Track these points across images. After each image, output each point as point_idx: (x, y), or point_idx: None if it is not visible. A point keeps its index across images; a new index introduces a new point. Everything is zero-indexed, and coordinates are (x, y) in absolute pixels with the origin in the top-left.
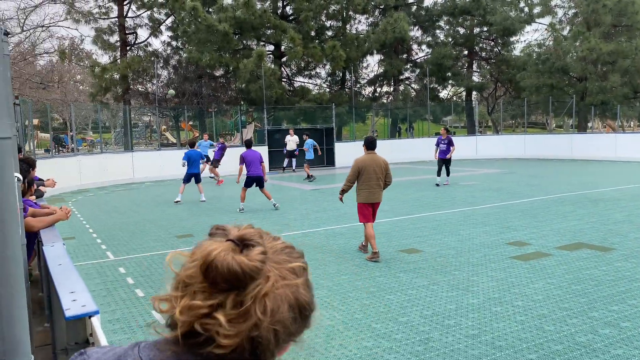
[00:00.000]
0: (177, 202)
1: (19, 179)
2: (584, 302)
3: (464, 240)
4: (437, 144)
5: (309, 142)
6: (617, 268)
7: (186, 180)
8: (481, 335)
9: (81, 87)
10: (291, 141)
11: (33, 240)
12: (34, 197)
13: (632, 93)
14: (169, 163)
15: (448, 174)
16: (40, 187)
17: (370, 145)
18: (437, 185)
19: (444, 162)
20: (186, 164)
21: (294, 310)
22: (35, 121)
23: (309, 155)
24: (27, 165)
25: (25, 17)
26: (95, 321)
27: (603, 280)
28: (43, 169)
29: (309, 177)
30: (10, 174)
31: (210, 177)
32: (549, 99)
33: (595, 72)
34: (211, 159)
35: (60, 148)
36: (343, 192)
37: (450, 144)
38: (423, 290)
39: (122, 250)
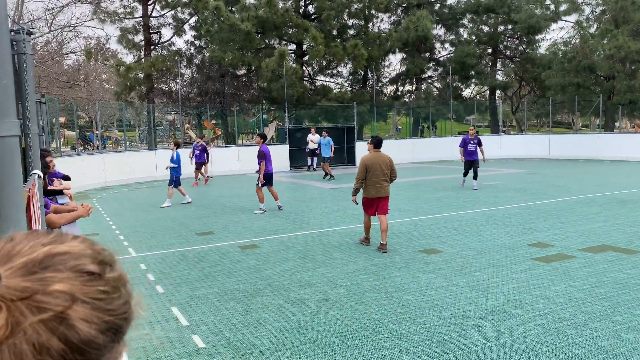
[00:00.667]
0: (188, 202)
1: (39, 176)
2: (607, 305)
3: (485, 241)
4: (464, 145)
5: (326, 140)
6: None
7: (178, 183)
8: (500, 338)
9: (107, 85)
10: (313, 140)
11: None
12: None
13: None
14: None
15: (476, 177)
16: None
17: (377, 144)
18: (463, 186)
19: (472, 163)
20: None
21: (57, 357)
22: (62, 119)
23: (326, 153)
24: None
25: (52, 18)
26: None
27: (628, 284)
28: (69, 166)
29: (329, 175)
30: (17, 172)
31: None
32: (575, 98)
33: (623, 70)
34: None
35: (87, 146)
36: (356, 191)
37: (479, 144)
38: (442, 291)
39: (144, 247)
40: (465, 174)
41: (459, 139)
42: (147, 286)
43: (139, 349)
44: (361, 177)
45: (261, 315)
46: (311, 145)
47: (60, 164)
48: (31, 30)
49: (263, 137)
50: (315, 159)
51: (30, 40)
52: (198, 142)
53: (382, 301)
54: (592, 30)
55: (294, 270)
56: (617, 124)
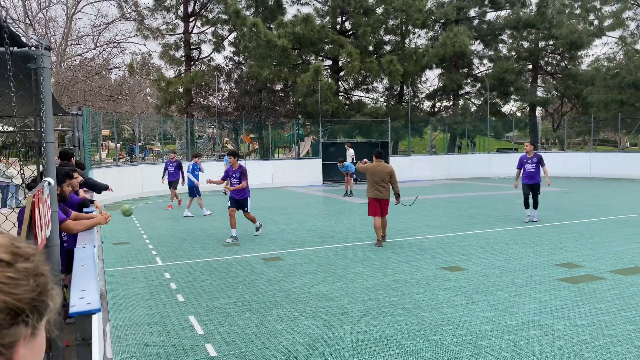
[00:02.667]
0: (190, 216)
1: (49, 184)
2: (631, 329)
3: (511, 260)
4: (521, 166)
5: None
6: None
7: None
8: (514, 358)
9: (150, 99)
10: (348, 155)
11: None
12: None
13: None
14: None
15: (536, 206)
16: (87, 196)
17: (378, 155)
18: (528, 221)
19: (531, 188)
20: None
21: None
22: (107, 132)
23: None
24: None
25: (98, 34)
26: (95, 319)
27: None
28: (108, 176)
29: (349, 192)
30: None
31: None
32: (618, 116)
33: None
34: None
35: (129, 158)
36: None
37: (540, 163)
38: (460, 309)
39: (171, 257)
40: (526, 204)
41: (496, 156)
42: (168, 295)
43: (152, 355)
44: (362, 171)
45: (275, 326)
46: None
47: (99, 174)
48: (50, 45)
49: (235, 154)
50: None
51: (48, 54)
52: (172, 158)
53: (397, 317)
54: (637, 46)
55: (314, 284)
56: None
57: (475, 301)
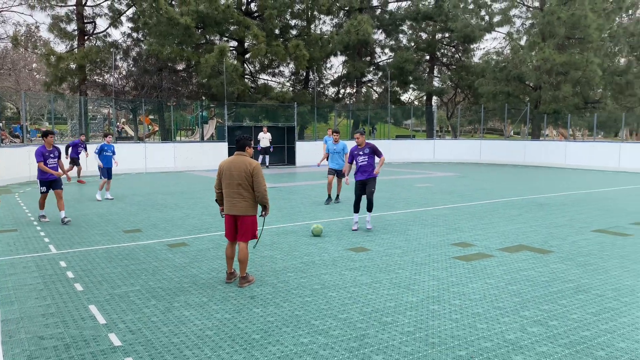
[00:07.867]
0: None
1: None
2: (517, 301)
3: (411, 240)
4: (352, 159)
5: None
6: (553, 270)
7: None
8: (416, 333)
9: (37, 75)
10: (264, 138)
11: None
12: None
13: (583, 103)
14: (124, 157)
15: (370, 207)
16: None
17: (238, 146)
18: (357, 229)
19: (365, 184)
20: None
21: None
22: None
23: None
24: None
25: None
26: None
27: (538, 281)
28: None
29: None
30: None
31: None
32: (505, 106)
33: (548, 81)
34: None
35: (13, 139)
36: (217, 201)
37: (375, 153)
38: (365, 288)
39: (66, 244)
40: (357, 206)
41: (396, 142)
42: (64, 284)
43: (49, 348)
44: (216, 186)
45: (183, 313)
46: (263, 144)
47: None
48: None
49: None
50: (267, 157)
51: None
52: (82, 139)
53: (306, 298)
54: (522, 42)
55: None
56: (543, 132)
57: (379, 280)
